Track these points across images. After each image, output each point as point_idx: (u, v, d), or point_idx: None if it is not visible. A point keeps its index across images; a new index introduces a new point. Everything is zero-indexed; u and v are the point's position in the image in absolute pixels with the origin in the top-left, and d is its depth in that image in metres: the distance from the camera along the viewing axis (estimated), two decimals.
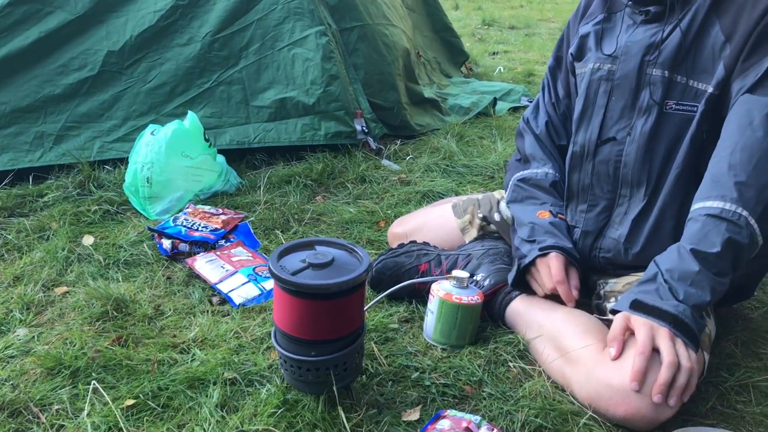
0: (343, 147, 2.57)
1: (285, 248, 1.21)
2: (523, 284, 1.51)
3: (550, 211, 1.53)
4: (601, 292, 1.49)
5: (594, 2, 1.55)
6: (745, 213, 1.19)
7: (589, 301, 1.52)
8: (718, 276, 1.19)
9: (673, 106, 1.34)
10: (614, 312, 1.26)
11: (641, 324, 1.18)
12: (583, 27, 1.54)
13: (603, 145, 1.45)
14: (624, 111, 1.41)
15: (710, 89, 1.30)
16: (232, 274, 1.68)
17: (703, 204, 1.23)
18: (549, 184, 1.58)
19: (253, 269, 1.71)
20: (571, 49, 1.56)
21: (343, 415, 1.17)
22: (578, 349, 1.27)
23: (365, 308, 1.47)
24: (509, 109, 3.43)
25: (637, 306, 1.21)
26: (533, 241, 1.48)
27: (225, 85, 2.51)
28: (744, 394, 1.32)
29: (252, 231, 1.95)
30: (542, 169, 1.59)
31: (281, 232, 1.98)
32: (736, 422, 1.24)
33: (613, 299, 1.43)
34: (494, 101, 3.44)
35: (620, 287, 1.44)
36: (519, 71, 4.52)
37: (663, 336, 1.16)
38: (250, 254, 1.80)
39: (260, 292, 1.62)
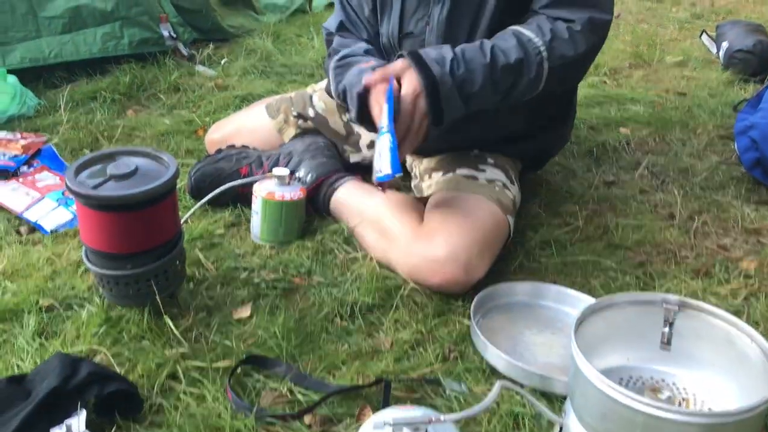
0: (151, 56, 2.41)
1: (82, 162, 1.14)
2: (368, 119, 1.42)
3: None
4: (417, 171, 1.55)
5: None
6: (545, 54, 1.27)
7: (409, 182, 1.58)
8: (494, 83, 1.26)
9: None
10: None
11: (410, 82, 1.23)
12: None
13: (404, 39, 1.46)
14: (420, 1, 1.40)
15: None
16: (39, 200, 1.58)
17: (519, 27, 1.30)
18: (364, 51, 1.52)
19: (62, 193, 1.60)
20: None
21: (170, 323, 1.16)
22: (396, 228, 1.33)
23: (184, 217, 1.44)
24: (326, 5, 3.37)
25: (417, 58, 1.26)
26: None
27: None
28: (547, 248, 1.45)
29: (57, 153, 1.82)
30: (355, 45, 1.54)
31: (90, 151, 1.86)
32: (540, 274, 1.37)
33: (427, 176, 1.49)
34: None
35: (434, 164, 1.50)
36: None
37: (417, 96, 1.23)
38: (58, 178, 1.69)
39: (72, 216, 1.54)
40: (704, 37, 2.70)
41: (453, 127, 1.46)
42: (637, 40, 2.80)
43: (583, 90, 2.27)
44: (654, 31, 2.98)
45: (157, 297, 1.16)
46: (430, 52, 1.27)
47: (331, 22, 1.59)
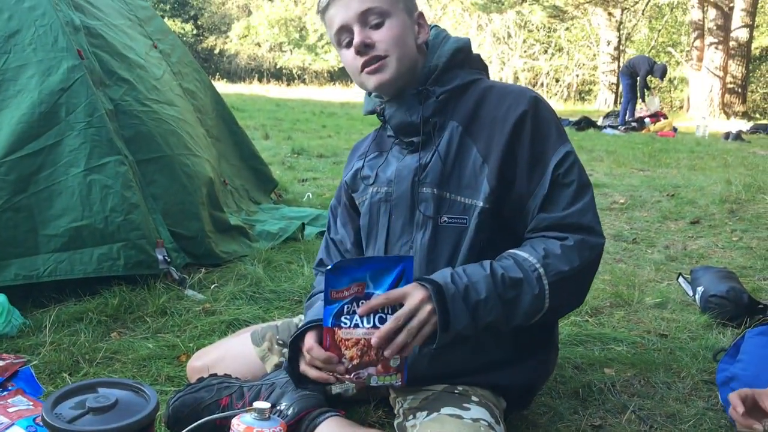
0: (142, 279, 2.47)
1: (62, 393, 1.12)
2: (305, 379, 1.46)
3: None
4: (400, 410, 1.52)
5: (363, 144, 1.74)
6: (541, 270, 1.35)
7: (393, 421, 1.54)
8: (498, 294, 1.33)
9: (447, 219, 1.49)
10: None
11: (415, 293, 1.31)
12: (357, 162, 1.69)
13: None
14: (404, 227, 1.54)
15: (480, 203, 1.45)
16: (8, 428, 1.51)
17: (514, 250, 1.40)
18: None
19: (33, 419, 1.54)
20: (347, 180, 1.69)
21: None
22: None
23: None
24: (317, 234, 3.51)
25: (417, 279, 1.36)
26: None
27: (11, 212, 2.32)
28: None
29: (35, 376, 1.78)
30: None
31: (69, 375, 1.82)
32: None
33: (411, 416, 1.46)
34: (302, 226, 3.51)
35: (417, 403, 1.48)
36: (327, 197, 4.67)
37: (423, 300, 1.30)
38: (31, 403, 1.63)
39: None
40: (681, 279, 2.81)
41: (437, 352, 1.46)
42: (617, 280, 2.90)
43: (566, 329, 2.31)
44: (632, 271, 3.10)
45: None
46: (428, 275, 1.36)
47: (324, 253, 1.75)
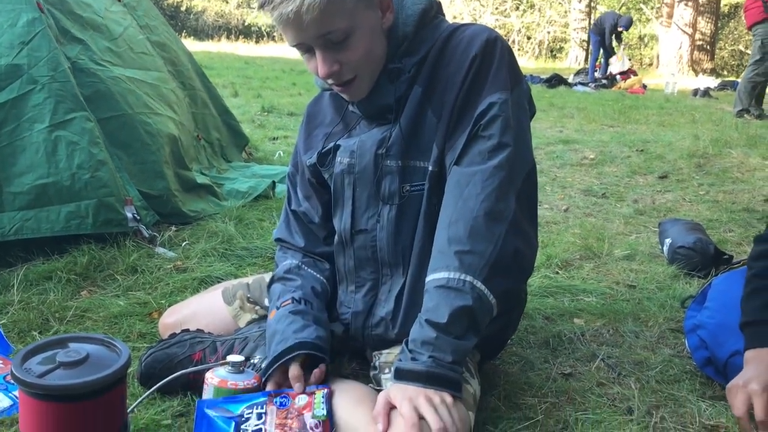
0: (111, 237, 2.43)
1: (32, 348, 1.10)
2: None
3: (292, 298, 1.53)
4: (377, 363, 1.53)
5: (321, 110, 1.62)
6: (469, 278, 1.29)
7: (368, 372, 1.55)
8: (459, 339, 1.28)
9: (409, 188, 1.44)
10: None
11: (401, 398, 1.23)
12: (318, 141, 1.59)
13: (357, 234, 1.52)
14: (370, 200, 1.49)
15: (430, 167, 1.41)
16: None
17: (432, 276, 1.32)
18: (284, 270, 1.60)
19: (3, 377, 1.53)
20: (312, 156, 1.59)
21: None
22: (353, 422, 1.29)
23: (131, 406, 1.38)
24: None
25: (396, 374, 1.28)
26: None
27: None
28: None
29: (4, 335, 1.76)
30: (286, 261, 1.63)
31: (39, 333, 1.80)
32: None
33: (387, 370, 1.48)
34: (273, 184, 3.48)
35: (393, 357, 1.49)
36: None
37: (423, 403, 1.21)
38: (1, 361, 1.62)
39: (12, 402, 1.46)
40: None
41: (404, 322, 1.47)
42: (586, 233, 2.93)
43: (536, 281, 2.33)
44: (601, 225, 3.14)
45: None
46: (399, 365, 1.30)
47: (277, 231, 1.70)
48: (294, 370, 1.40)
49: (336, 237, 1.58)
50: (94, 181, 2.39)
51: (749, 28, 7.30)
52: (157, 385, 1.44)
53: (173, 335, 1.63)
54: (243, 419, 1.30)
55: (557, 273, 2.46)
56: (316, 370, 1.41)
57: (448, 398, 1.24)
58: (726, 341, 1.60)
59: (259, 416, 1.31)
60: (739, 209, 3.44)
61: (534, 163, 1.47)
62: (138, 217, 2.52)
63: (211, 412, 1.31)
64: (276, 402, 1.34)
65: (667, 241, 2.60)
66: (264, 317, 1.71)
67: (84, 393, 1.03)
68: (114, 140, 2.67)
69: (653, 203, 3.62)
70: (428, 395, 1.22)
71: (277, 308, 1.52)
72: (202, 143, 3.63)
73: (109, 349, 1.14)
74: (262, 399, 1.35)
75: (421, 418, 1.20)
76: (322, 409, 1.32)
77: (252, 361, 1.53)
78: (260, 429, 1.28)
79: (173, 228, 2.71)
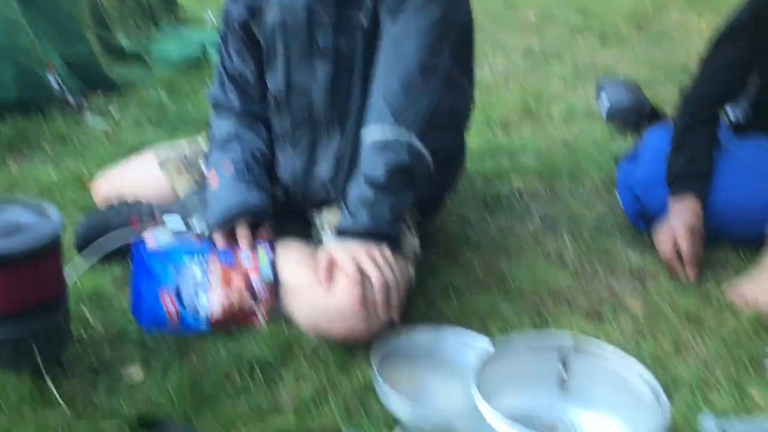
0: (35, 106, 2.31)
1: None
2: None
3: (234, 167, 1.51)
4: (318, 221, 1.54)
5: None
6: (404, 134, 1.29)
7: (310, 231, 1.57)
8: (397, 195, 1.29)
9: (344, 45, 1.40)
10: None
11: (343, 256, 1.24)
12: None
13: (292, 93, 1.48)
14: (303, 56, 1.44)
15: (365, 23, 1.37)
16: None
17: (367, 129, 1.32)
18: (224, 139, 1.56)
19: None
20: (241, 10, 1.52)
21: (53, 387, 1.08)
22: (295, 279, 1.31)
23: (75, 275, 1.37)
24: None
25: (337, 233, 1.30)
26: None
27: None
28: (446, 296, 1.47)
29: None
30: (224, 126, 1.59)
31: None
32: (441, 320, 1.37)
33: (328, 228, 1.49)
34: (204, 49, 3.32)
35: (333, 215, 1.50)
36: None
37: (364, 258, 1.23)
38: None
39: None
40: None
41: (346, 180, 1.47)
42: (526, 94, 2.93)
43: (475, 141, 2.34)
44: (541, 85, 3.14)
45: (39, 360, 1.08)
46: (341, 224, 1.30)
47: (211, 91, 1.63)
48: (242, 231, 1.40)
49: (272, 98, 1.53)
50: (11, 46, 2.25)
51: None
52: (96, 241, 1.43)
53: (111, 207, 1.60)
54: (185, 268, 1.31)
55: (496, 134, 2.47)
56: (262, 229, 1.42)
57: (388, 252, 1.27)
58: (658, 195, 1.66)
59: (203, 270, 1.32)
60: (676, 68, 3.47)
61: (471, 19, 1.44)
62: (62, 85, 2.39)
63: (150, 257, 1.32)
64: (220, 257, 1.35)
65: (604, 100, 2.62)
66: (202, 185, 1.68)
67: (20, 258, 1.01)
68: (29, 3, 2.47)
69: (593, 63, 3.62)
70: (369, 251, 1.24)
71: (220, 177, 1.50)
72: (128, 2, 3.40)
73: (39, 214, 1.11)
74: (204, 251, 1.35)
75: (362, 274, 1.22)
76: (268, 272, 1.33)
77: (191, 223, 1.52)
78: (205, 283, 1.30)
79: (101, 94, 2.58)
